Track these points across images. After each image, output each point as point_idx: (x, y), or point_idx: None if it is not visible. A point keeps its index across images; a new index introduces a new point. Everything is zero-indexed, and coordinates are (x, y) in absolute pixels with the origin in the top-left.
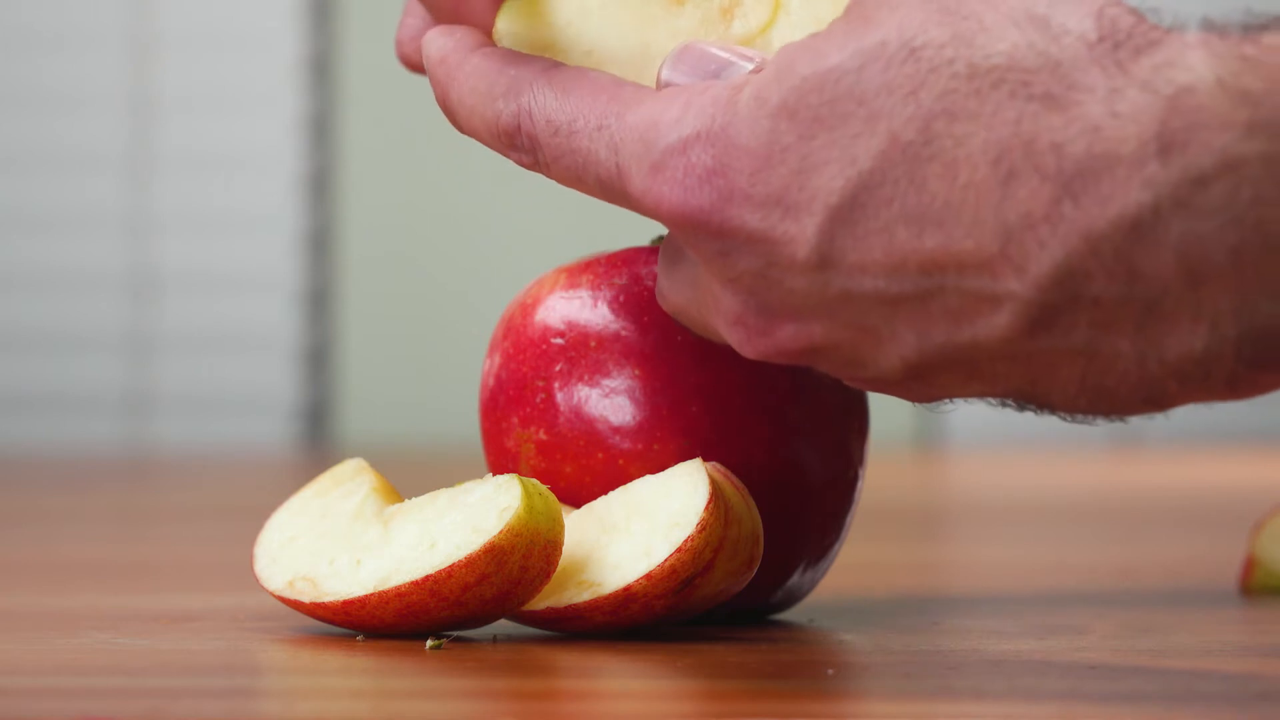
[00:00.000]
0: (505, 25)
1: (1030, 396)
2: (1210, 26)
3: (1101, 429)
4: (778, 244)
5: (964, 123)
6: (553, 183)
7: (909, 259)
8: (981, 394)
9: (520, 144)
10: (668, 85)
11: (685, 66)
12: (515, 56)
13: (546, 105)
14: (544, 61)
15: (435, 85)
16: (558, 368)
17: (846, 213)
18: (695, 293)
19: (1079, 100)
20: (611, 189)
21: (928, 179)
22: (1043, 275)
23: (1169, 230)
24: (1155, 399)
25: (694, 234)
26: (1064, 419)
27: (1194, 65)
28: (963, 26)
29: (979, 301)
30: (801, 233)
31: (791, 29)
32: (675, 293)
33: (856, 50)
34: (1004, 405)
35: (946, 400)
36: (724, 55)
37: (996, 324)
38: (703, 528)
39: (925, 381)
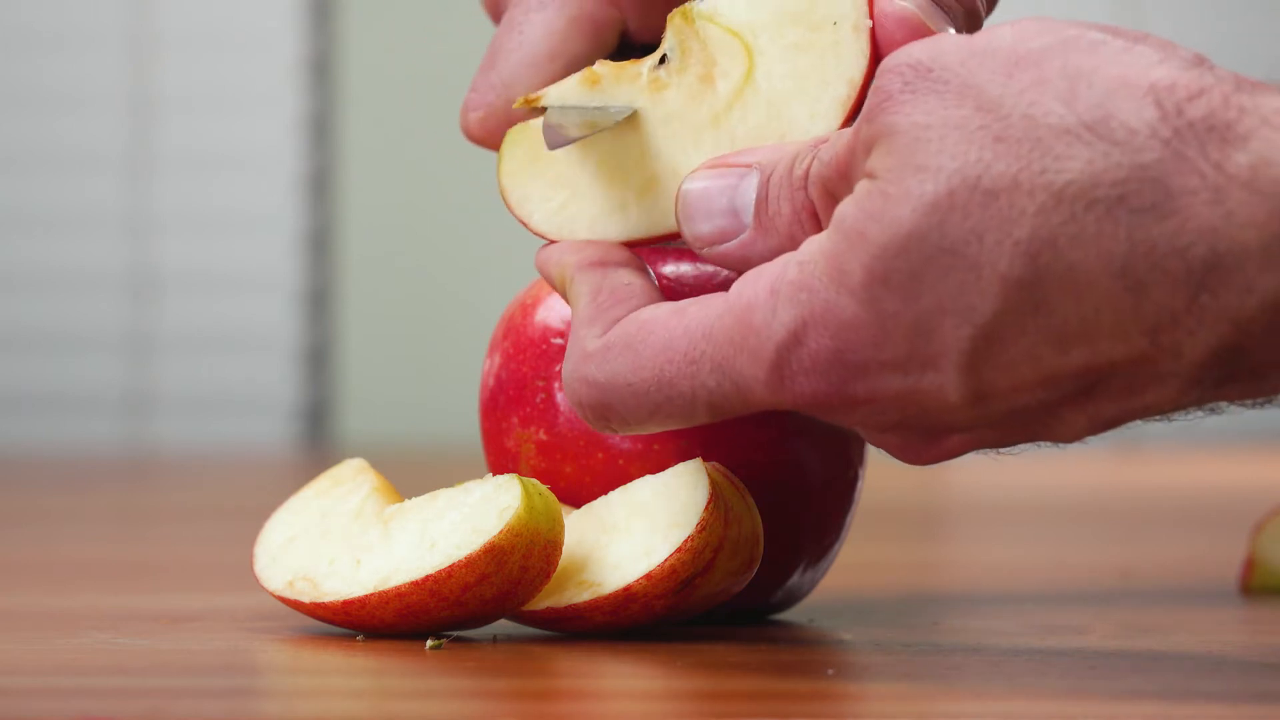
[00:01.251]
0: (509, 166)
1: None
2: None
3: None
4: (926, 394)
5: (1070, 250)
6: None
7: (1061, 373)
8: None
9: (589, 417)
10: (699, 236)
11: (701, 217)
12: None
13: (617, 373)
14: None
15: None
16: (558, 368)
17: (983, 354)
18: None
19: (1185, 205)
20: (729, 409)
21: (1054, 306)
22: (1199, 358)
23: None
24: None
25: (841, 413)
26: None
27: None
28: (1023, 152)
29: (1146, 382)
30: (946, 380)
31: (769, 71)
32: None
33: (926, 205)
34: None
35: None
36: (722, 184)
37: (1166, 395)
38: (703, 528)
39: (1107, 430)
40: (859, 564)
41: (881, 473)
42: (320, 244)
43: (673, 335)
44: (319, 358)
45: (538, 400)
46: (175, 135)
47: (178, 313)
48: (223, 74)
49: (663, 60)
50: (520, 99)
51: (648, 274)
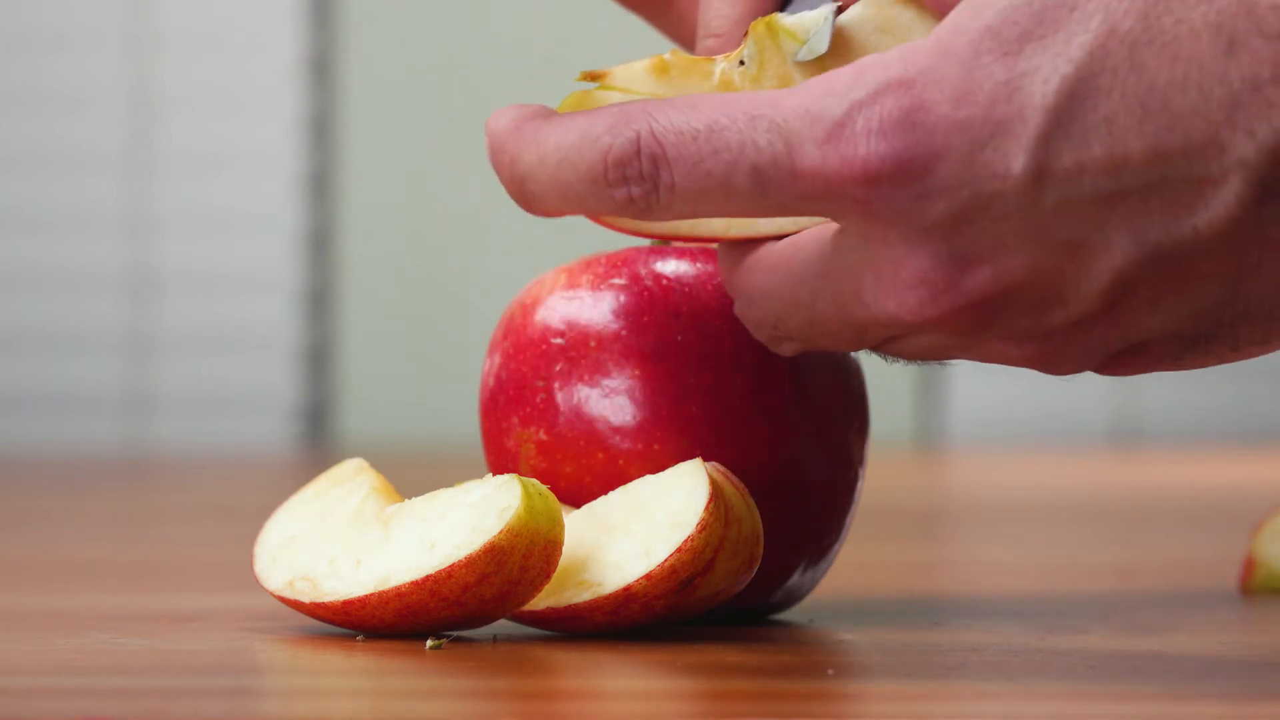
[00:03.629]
0: None
1: (1230, 306)
2: None
3: (1101, 426)
4: (988, 167)
5: (1182, 2)
6: None
7: (1131, 152)
8: (1178, 320)
9: (636, 171)
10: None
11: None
12: (609, 105)
13: (673, 119)
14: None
15: (504, 154)
16: (558, 368)
17: (1064, 110)
18: (826, 282)
19: None
20: (770, 179)
21: (1147, 61)
22: (1273, 138)
23: None
24: None
25: (886, 186)
26: (1242, 350)
27: None
28: None
29: (1203, 185)
30: (1014, 148)
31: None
32: (779, 292)
33: None
34: (1185, 352)
35: (1128, 370)
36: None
37: (1221, 202)
38: (703, 528)
39: (1123, 313)
40: (859, 564)
41: (882, 473)
42: (320, 244)
43: (736, 97)
44: (319, 358)
45: (538, 400)
46: (175, 135)
47: (178, 313)
48: (223, 74)
49: (740, 65)
50: (583, 72)
51: None
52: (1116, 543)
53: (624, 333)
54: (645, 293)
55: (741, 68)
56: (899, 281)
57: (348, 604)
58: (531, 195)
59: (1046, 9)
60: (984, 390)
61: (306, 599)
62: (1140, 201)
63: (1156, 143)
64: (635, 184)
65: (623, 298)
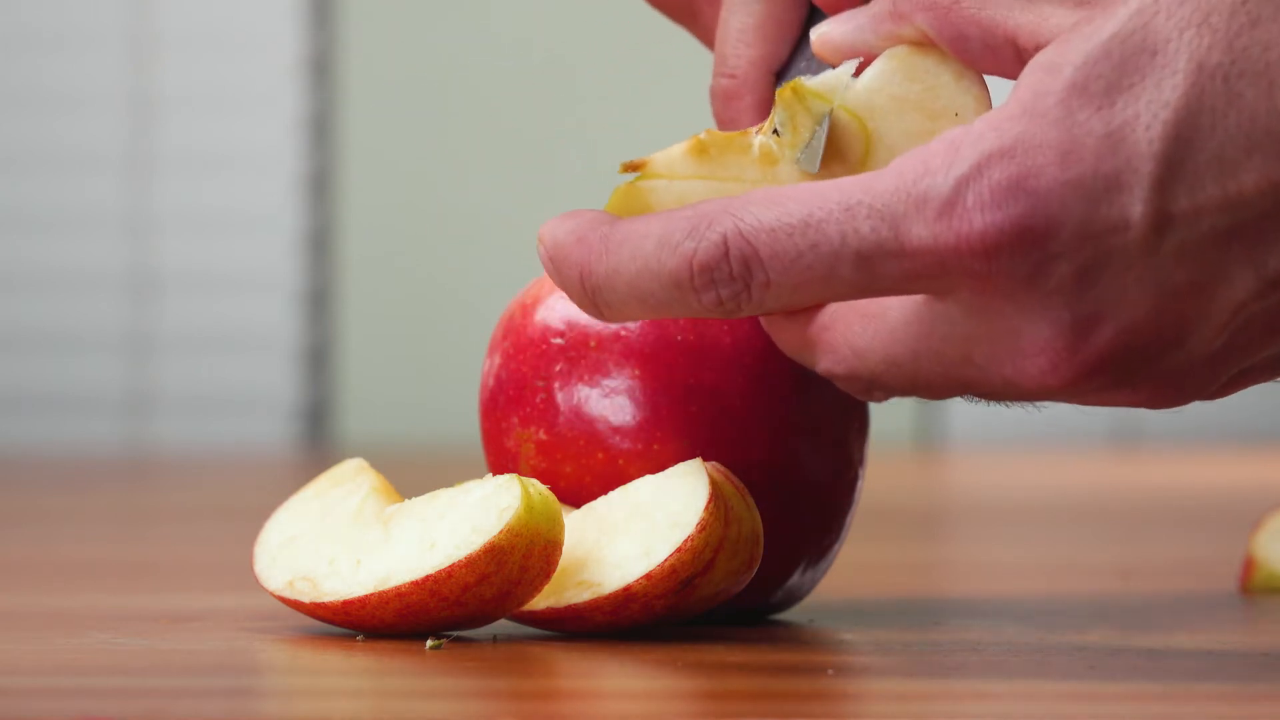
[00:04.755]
0: None
1: None
2: None
3: (1101, 427)
4: (1107, 222)
5: (1265, 26)
6: (555, 183)
7: (1244, 185)
8: None
9: (726, 274)
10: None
11: None
12: (683, 208)
13: (762, 217)
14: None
15: (569, 266)
16: (558, 368)
17: (1173, 154)
18: (927, 344)
19: None
20: (878, 265)
21: (1243, 92)
22: None
23: None
24: None
25: (1006, 257)
26: None
27: None
28: None
29: None
30: (1130, 199)
31: (887, 156)
32: (873, 350)
33: (1132, 10)
34: None
35: (1231, 392)
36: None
37: None
38: (703, 528)
39: (1239, 344)
40: (859, 564)
41: (882, 473)
42: (320, 244)
43: (821, 188)
44: (319, 358)
45: (538, 400)
46: (175, 135)
47: (178, 313)
48: (223, 74)
49: (775, 134)
50: (623, 164)
51: None
52: (1116, 543)
53: (624, 333)
54: None
55: (776, 136)
56: (1018, 351)
57: (348, 604)
58: (607, 305)
59: (1127, 58)
60: None
61: (306, 599)
62: (1256, 233)
63: (1268, 172)
64: (724, 286)
65: None
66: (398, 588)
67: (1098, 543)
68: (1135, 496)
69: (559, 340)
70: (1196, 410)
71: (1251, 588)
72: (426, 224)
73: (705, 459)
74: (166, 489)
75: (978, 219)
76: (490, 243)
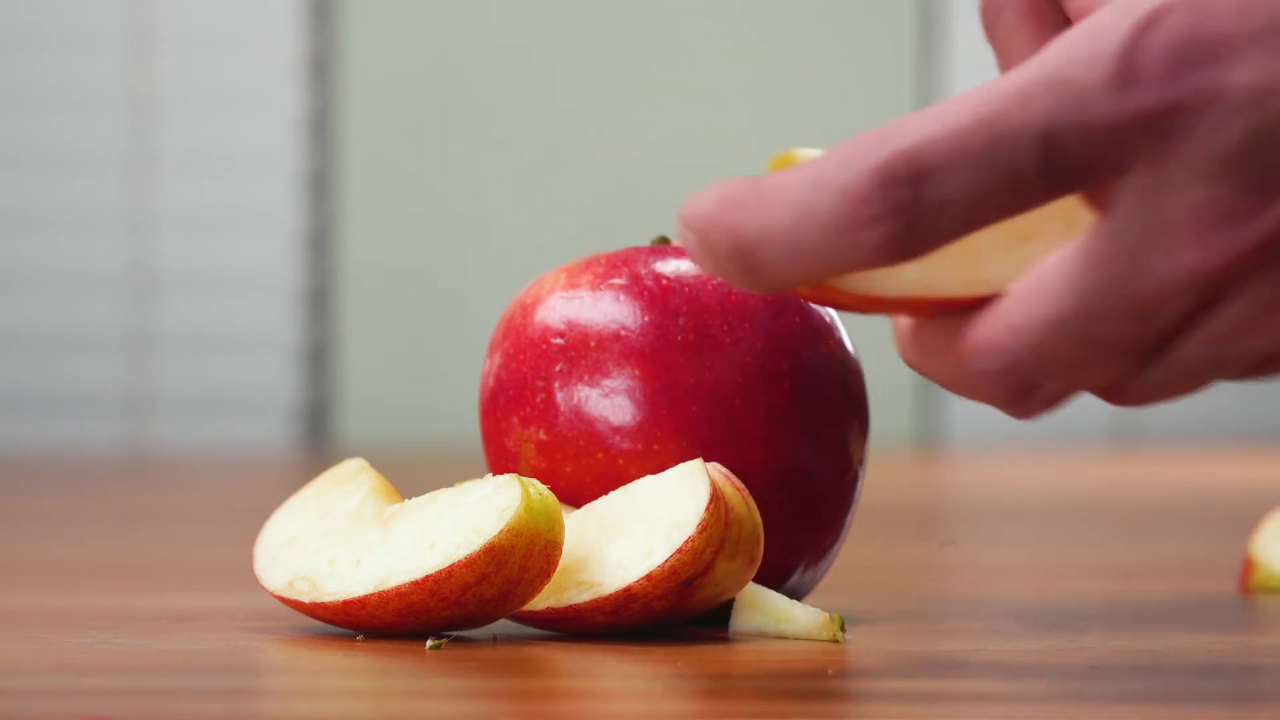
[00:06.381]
0: None
1: None
2: None
3: (1101, 426)
4: None
5: None
6: (555, 183)
7: None
8: None
9: (895, 200)
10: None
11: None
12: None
13: (927, 129)
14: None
15: (719, 231)
16: (558, 368)
17: None
18: (1098, 274)
19: None
20: (1069, 136)
21: None
22: None
23: None
24: None
25: (1186, 113)
26: None
27: None
28: None
29: None
30: None
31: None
32: (1043, 333)
33: None
34: None
35: None
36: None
37: None
38: (703, 528)
39: None
40: (859, 564)
41: (882, 473)
42: (320, 244)
43: (983, 88)
44: (319, 358)
45: (538, 400)
46: (175, 135)
47: (178, 313)
48: (223, 74)
49: None
50: (772, 158)
51: None
52: (1116, 543)
53: (624, 333)
54: (645, 293)
55: None
56: (1201, 225)
57: (348, 604)
58: (761, 267)
59: None
60: None
61: (306, 599)
62: None
63: None
64: (892, 218)
65: (623, 298)
66: (398, 588)
67: (1098, 543)
68: (1135, 496)
69: (559, 340)
70: (1196, 410)
71: (1251, 588)
72: (427, 224)
73: (705, 459)
74: (166, 489)
75: (1155, 68)
76: (490, 243)
